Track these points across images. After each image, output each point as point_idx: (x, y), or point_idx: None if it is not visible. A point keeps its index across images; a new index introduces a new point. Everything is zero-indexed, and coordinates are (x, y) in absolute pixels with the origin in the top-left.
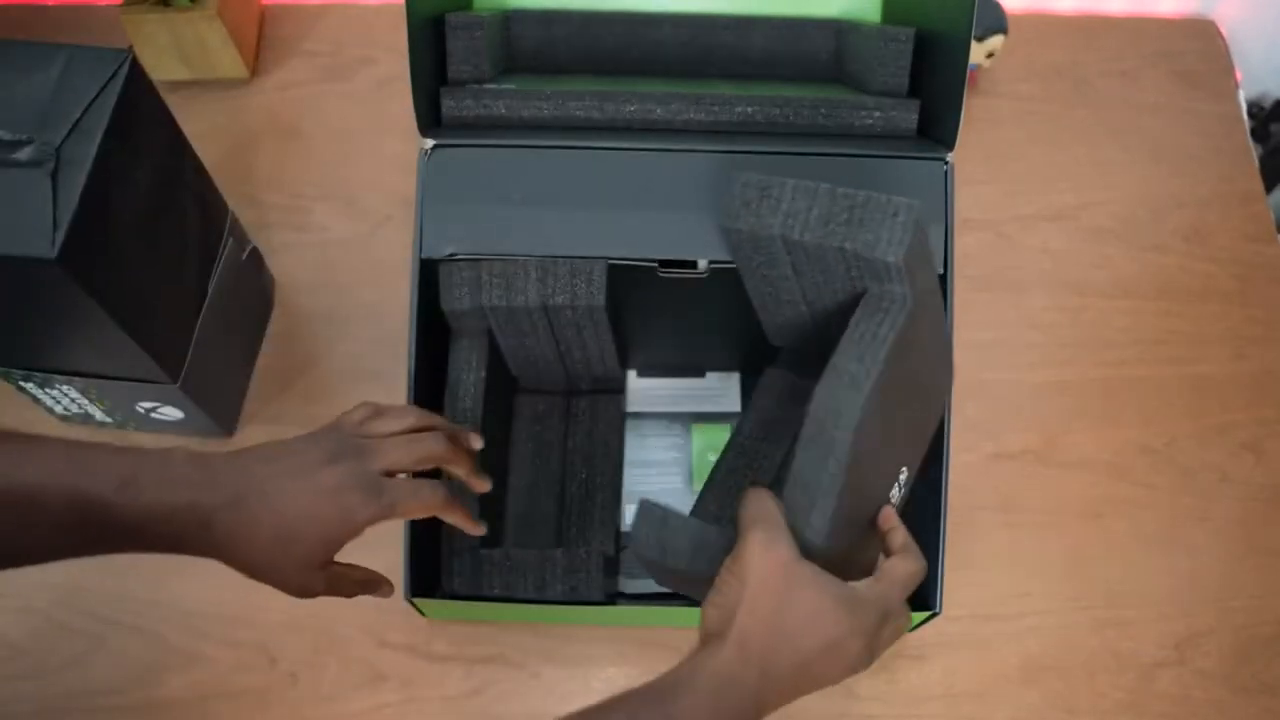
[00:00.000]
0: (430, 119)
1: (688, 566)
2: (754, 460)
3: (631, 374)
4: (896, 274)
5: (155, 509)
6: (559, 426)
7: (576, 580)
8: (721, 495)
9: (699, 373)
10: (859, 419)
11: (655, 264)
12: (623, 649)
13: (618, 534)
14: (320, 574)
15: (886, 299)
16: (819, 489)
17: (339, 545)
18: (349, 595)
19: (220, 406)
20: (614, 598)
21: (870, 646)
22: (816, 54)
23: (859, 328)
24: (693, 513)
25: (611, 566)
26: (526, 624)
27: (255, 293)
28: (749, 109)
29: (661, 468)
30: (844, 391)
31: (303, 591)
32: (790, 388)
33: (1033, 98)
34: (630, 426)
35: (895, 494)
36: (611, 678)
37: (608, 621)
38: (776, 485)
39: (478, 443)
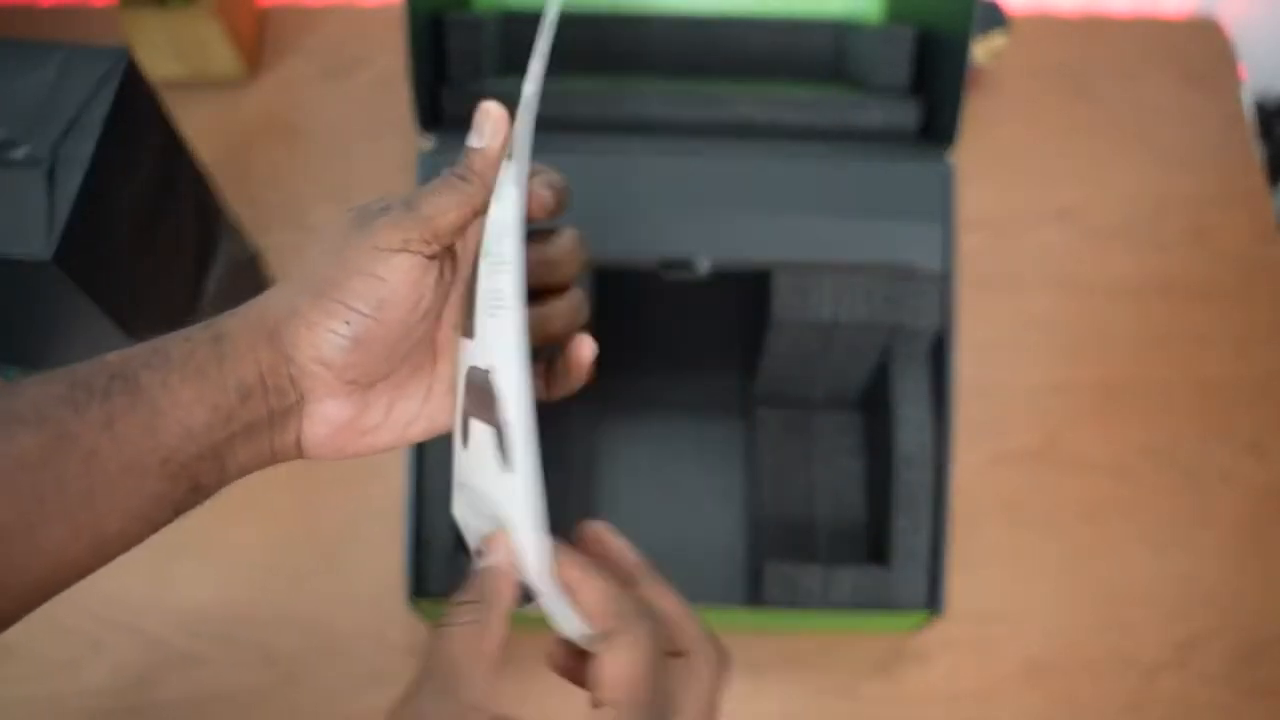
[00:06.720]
0: (430, 118)
1: None
2: None
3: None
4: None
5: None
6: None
7: None
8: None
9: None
10: None
11: (654, 262)
12: None
13: None
14: None
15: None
16: None
17: None
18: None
19: None
20: None
21: None
22: (817, 53)
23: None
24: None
25: None
26: (525, 625)
27: (253, 292)
28: (749, 109)
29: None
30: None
31: None
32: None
33: (1035, 97)
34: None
35: None
36: None
37: None
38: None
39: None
